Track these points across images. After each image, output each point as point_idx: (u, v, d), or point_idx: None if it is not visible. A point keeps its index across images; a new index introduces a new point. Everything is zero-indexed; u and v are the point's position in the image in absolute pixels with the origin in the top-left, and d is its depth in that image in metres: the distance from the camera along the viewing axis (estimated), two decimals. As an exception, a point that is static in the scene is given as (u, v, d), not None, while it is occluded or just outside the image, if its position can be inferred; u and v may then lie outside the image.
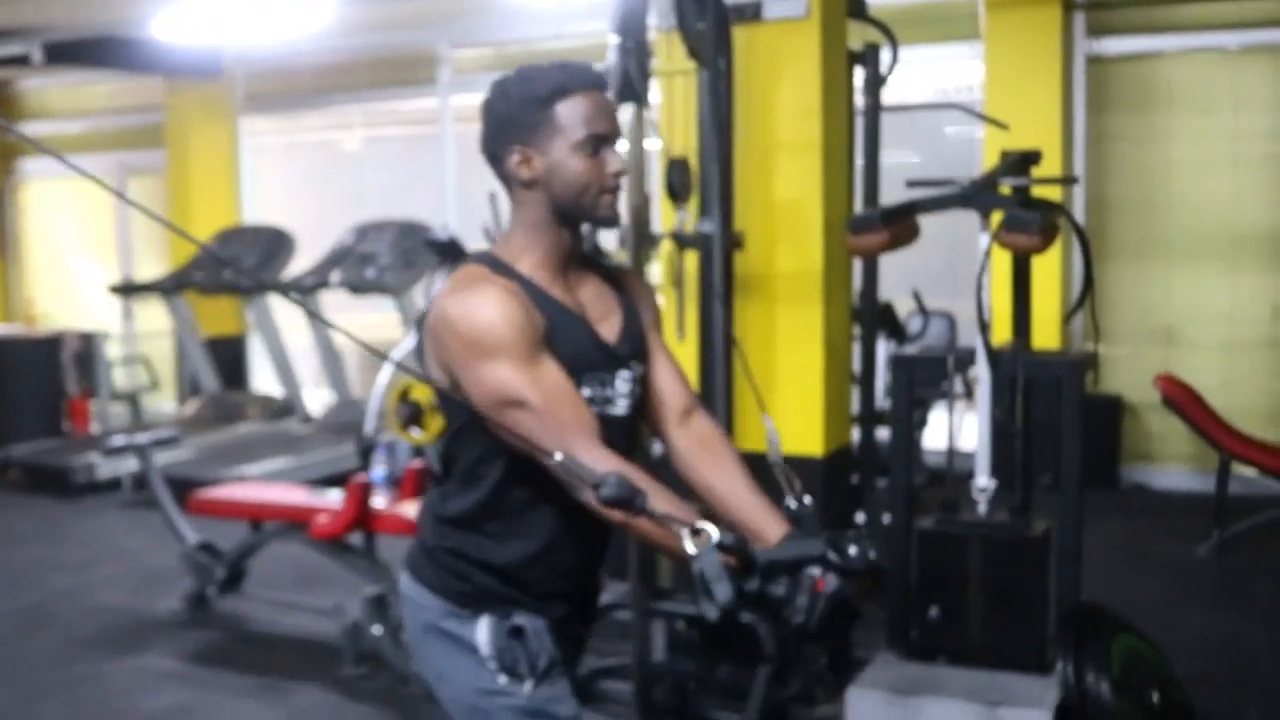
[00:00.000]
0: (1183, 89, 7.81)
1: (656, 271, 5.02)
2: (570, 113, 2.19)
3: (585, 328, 2.26)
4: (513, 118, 2.21)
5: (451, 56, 10.03)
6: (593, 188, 2.21)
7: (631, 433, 2.39)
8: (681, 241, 4.52)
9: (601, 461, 2.03)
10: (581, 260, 2.34)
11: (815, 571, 2.04)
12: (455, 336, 2.14)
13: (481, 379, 2.11)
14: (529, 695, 2.23)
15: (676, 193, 4.47)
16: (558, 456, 2.00)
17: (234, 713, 4.78)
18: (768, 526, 2.20)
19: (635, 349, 2.35)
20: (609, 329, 2.30)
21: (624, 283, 2.42)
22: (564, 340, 2.20)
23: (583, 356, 2.23)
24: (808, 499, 2.31)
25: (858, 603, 2.07)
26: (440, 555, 2.30)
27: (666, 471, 4.29)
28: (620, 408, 2.30)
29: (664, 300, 4.67)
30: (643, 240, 4.27)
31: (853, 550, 2.08)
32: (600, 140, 2.21)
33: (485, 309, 2.12)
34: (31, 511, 8.26)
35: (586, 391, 2.23)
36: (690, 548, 1.95)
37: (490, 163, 2.28)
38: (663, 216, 4.85)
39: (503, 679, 2.24)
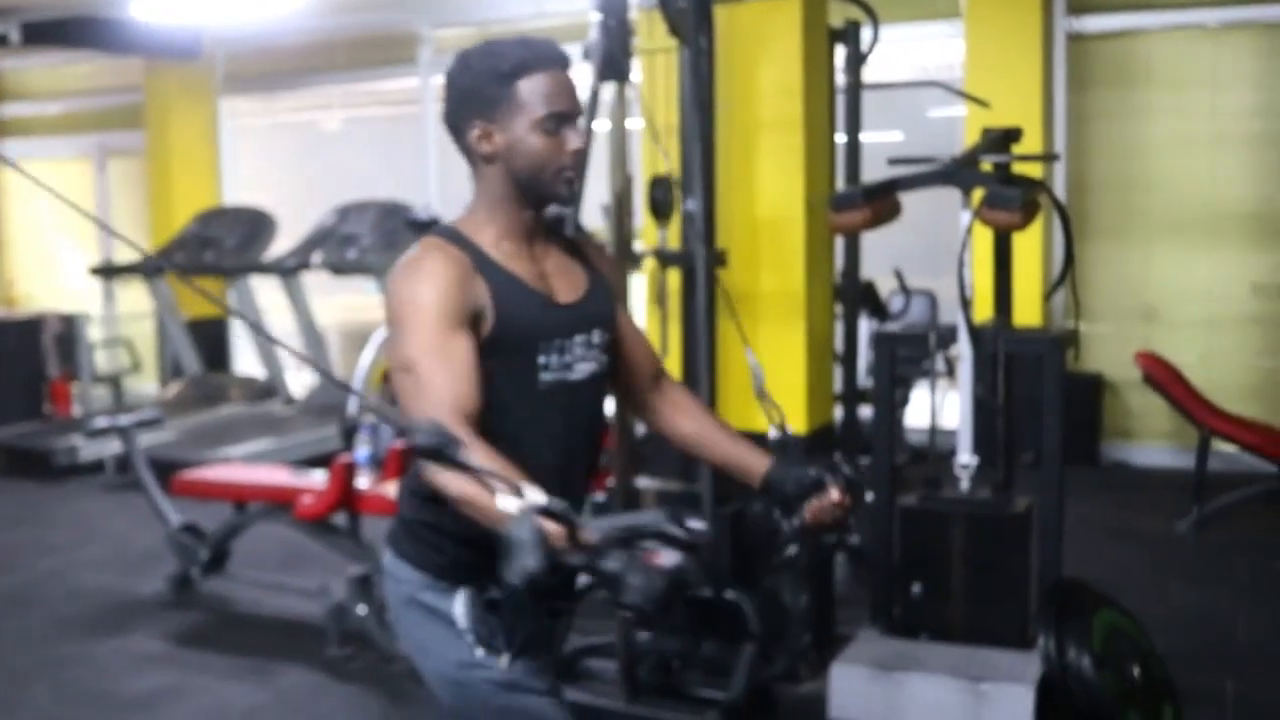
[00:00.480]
0: (1163, 67, 7.83)
1: (639, 246, 5.02)
2: (532, 90, 2.20)
3: (539, 298, 2.27)
4: (475, 92, 2.23)
5: (433, 36, 10.00)
6: (551, 165, 2.23)
7: (595, 399, 2.41)
8: (665, 259, 4.53)
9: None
10: (547, 232, 2.37)
11: (648, 544, 1.94)
12: (389, 301, 2.19)
13: (394, 341, 2.16)
14: (505, 668, 2.25)
15: (659, 210, 4.47)
16: (357, 402, 1.98)
17: (219, 694, 4.79)
18: (753, 461, 2.42)
19: (599, 316, 2.38)
20: (570, 296, 2.33)
21: (588, 254, 2.45)
22: (515, 311, 2.22)
23: (537, 325, 2.25)
24: (789, 428, 2.36)
25: (695, 579, 1.94)
26: (418, 529, 2.32)
27: (651, 448, 4.29)
28: (579, 373, 2.32)
29: (647, 320, 4.67)
30: (625, 220, 4.27)
31: (695, 523, 1.99)
32: (561, 119, 2.22)
33: (417, 277, 2.16)
34: (13, 494, 8.24)
35: (542, 359, 2.26)
36: (506, 506, 1.86)
37: (452, 135, 2.30)
38: (643, 194, 4.84)
39: (479, 651, 2.25)
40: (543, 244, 2.34)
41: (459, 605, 2.26)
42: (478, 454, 1.93)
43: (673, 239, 4.53)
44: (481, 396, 2.12)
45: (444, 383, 2.09)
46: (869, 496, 4.17)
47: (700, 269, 4.33)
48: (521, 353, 2.24)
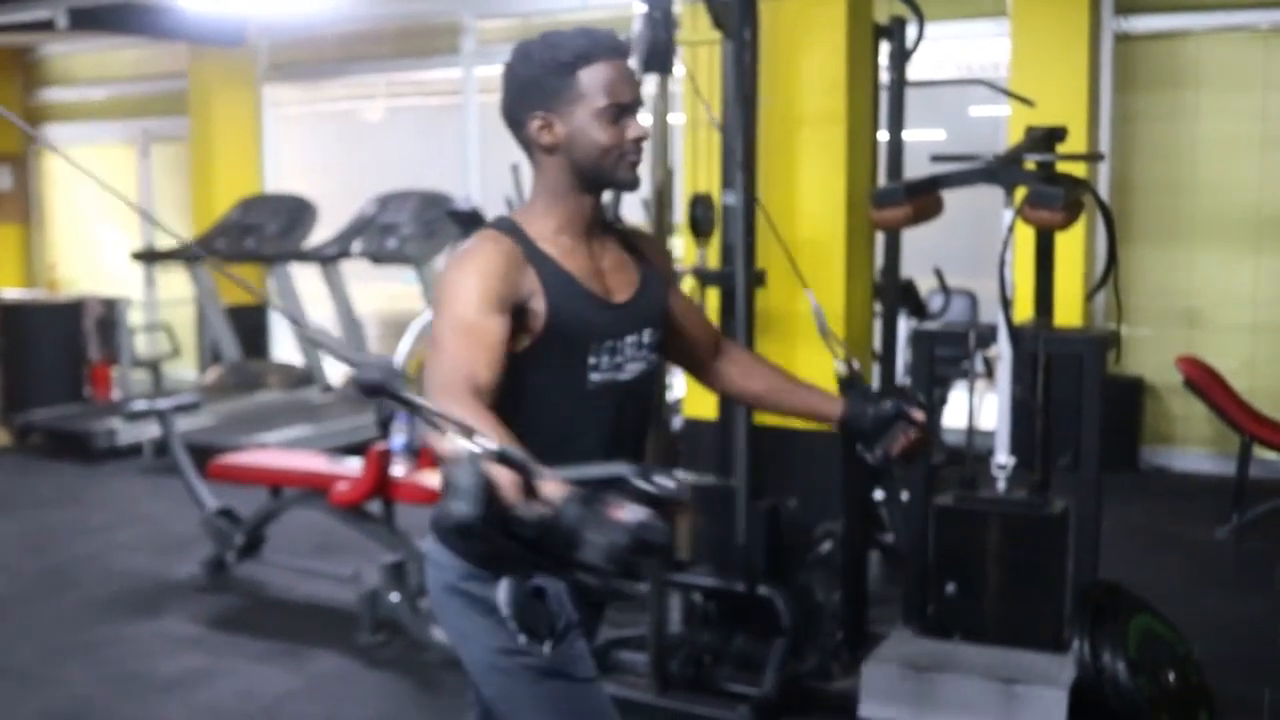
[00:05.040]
0: (1211, 68, 7.74)
1: (679, 246, 5.00)
2: (593, 80, 2.21)
3: (593, 297, 2.27)
4: (535, 83, 2.23)
5: (476, 27, 10.02)
6: (613, 153, 2.23)
7: (644, 399, 2.41)
8: (704, 278, 4.51)
9: (459, 409, 1.93)
10: (604, 226, 2.37)
11: (611, 498, 1.78)
12: (438, 288, 2.20)
13: (435, 322, 2.17)
14: (548, 655, 2.25)
15: (699, 229, 4.45)
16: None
17: (251, 677, 4.81)
18: (827, 405, 2.55)
19: (651, 315, 2.38)
20: (625, 294, 2.33)
21: (641, 247, 2.45)
22: (568, 311, 2.22)
23: (589, 325, 2.25)
24: (855, 363, 2.52)
25: (661, 539, 1.76)
26: None
27: (687, 445, 4.29)
28: (629, 373, 2.32)
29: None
30: (665, 213, 4.26)
31: (665, 479, 1.81)
32: (622, 109, 2.23)
33: (464, 264, 2.18)
34: (53, 476, 8.31)
35: (593, 360, 2.26)
36: (449, 447, 1.79)
37: (510, 127, 2.30)
38: (684, 188, 4.82)
39: (522, 638, 2.25)
40: (600, 238, 2.34)
41: (502, 593, 2.26)
42: (482, 424, 1.90)
43: (712, 258, 4.52)
44: (500, 377, 2.10)
45: (464, 357, 2.08)
46: (905, 493, 4.14)
47: (740, 271, 4.32)
48: (572, 353, 2.24)
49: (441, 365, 2.09)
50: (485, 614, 2.27)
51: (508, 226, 2.27)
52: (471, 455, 1.75)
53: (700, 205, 4.48)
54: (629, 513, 1.75)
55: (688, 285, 4.64)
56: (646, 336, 2.36)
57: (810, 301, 2.61)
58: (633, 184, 2.30)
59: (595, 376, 2.26)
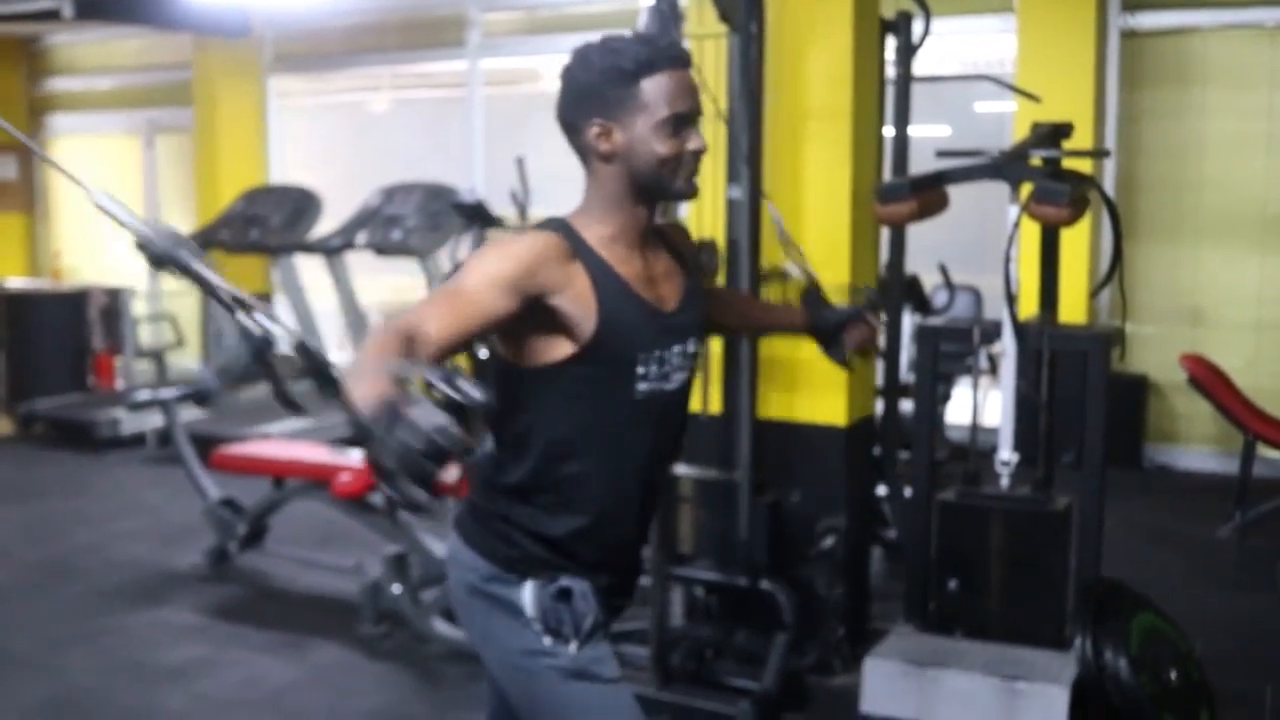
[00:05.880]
0: (1218, 66, 7.73)
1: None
2: (655, 90, 2.17)
3: (646, 306, 2.25)
4: (594, 89, 2.19)
5: (482, 19, 10.00)
6: (671, 164, 2.20)
7: (684, 407, 2.40)
8: None
9: (380, 337, 1.93)
10: (656, 234, 2.35)
11: (412, 401, 1.71)
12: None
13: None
14: (573, 656, 2.24)
15: (703, 274, 4.44)
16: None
17: (253, 667, 4.81)
18: (792, 317, 2.80)
19: (697, 324, 2.37)
20: (673, 303, 2.31)
21: (681, 249, 2.43)
22: (620, 319, 2.19)
23: (640, 335, 2.23)
24: (812, 271, 2.90)
25: (459, 445, 1.68)
26: (491, 520, 2.30)
27: (689, 440, 4.31)
28: (674, 383, 2.30)
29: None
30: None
31: (468, 386, 1.75)
32: (683, 119, 2.20)
33: (495, 246, 2.16)
34: (56, 465, 8.32)
35: (641, 369, 2.23)
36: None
37: (565, 132, 2.26)
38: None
39: (547, 640, 2.24)
40: (654, 247, 2.32)
41: (527, 594, 2.25)
42: (379, 349, 1.85)
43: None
44: (457, 339, 2.03)
45: (427, 310, 2.00)
46: (908, 489, 4.13)
47: (744, 261, 4.31)
48: (621, 362, 2.21)
49: (407, 312, 2.02)
50: (509, 615, 2.26)
51: (558, 225, 2.23)
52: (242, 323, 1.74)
53: (704, 251, 4.46)
54: (425, 414, 1.67)
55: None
56: (691, 346, 2.34)
57: (771, 212, 3.27)
58: (690, 195, 2.27)
59: (643, 386, 2.24)
